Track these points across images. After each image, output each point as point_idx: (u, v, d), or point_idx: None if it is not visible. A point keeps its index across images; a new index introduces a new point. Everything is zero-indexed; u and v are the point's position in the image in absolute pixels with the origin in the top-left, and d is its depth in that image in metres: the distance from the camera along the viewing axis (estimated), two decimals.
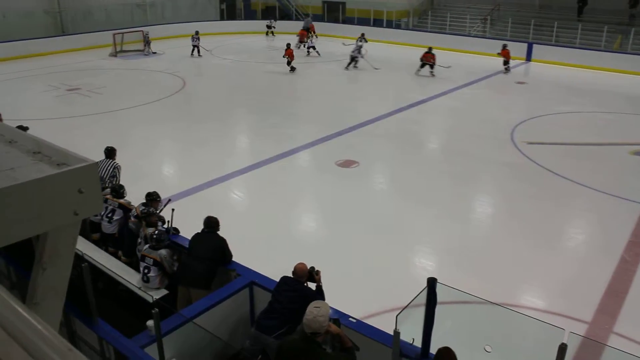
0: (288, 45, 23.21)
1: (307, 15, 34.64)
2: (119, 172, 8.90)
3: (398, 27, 32.01)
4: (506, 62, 23.01)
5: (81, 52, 26.95)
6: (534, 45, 25.69)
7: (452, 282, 4.34)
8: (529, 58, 25.51)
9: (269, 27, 33.06)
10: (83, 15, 30.29)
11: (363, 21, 32.62)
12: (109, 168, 8.76)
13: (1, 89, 19.63)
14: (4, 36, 26.11)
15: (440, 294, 4.38)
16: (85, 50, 27.27)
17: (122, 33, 27.05)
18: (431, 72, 21.62)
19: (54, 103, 18.00)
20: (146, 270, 6.35)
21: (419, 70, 22.01)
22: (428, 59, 21.78)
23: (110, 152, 9.01)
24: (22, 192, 1.56)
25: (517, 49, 25.19)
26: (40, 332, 1.00)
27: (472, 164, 12.42)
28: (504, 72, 22.95)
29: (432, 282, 4.39)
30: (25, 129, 9.10)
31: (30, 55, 25.63)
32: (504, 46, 23.29)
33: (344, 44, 27.32)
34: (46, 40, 27.16)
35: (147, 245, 6.49)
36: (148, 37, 26.94)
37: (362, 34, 26.52)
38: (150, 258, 6.37)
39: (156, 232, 6.57)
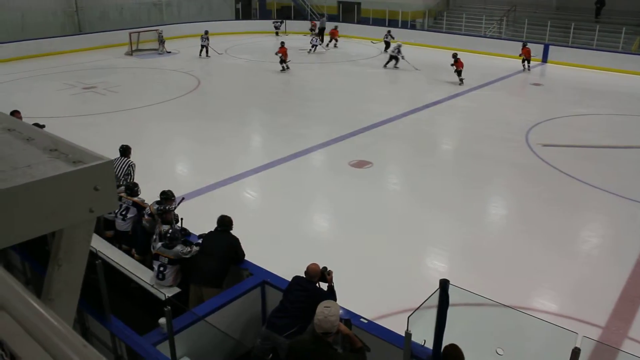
0: (282, 43, 23.41)
1: (322, 15, 34.66)
2: (133, 171, 8.96)
3: (413, 27, 31.92)
4: (527, 61, 23.15)
5: (97, 51, 27.17)
6: (550, 46, 25.48)
7: (464, 284, 4.32)
8: (545, 59, 25.31)
9: (276, 27, 33.28)
10: (99, 15, 30.55)
11: (378, 21, 32.57)
12: (123, 166, 8.82)
13: (19, 87, 19.88)
14: (22, 35, 26.44)
15: (453, 295, 4.36)
16: (102, 49, 27.50)
17: (138, 32, 27.24)
18: (461, 79, 20.35)
19: (70, 101, 18.16)
20: (162, 268, 6.38)
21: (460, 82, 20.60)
22: (458, 66, 20.49)
23: (125, 151, 9.07)
24: (39, 189, 1.58)
25: (533, 51, 25.02)
26: (56, 328, 1.01)
27: (486, 165, 12.35)
28: (526, 71, 23.12)
29: (444, 284, 4.37)
30: (41, 126, 9.19)
31: (47, 54, 25.91)
32: (524, 44, 23.37)
33: (372, 42, 27.57)
34: (63, 39, 27.45)
35: (160, 244, 6.52)
36: (162, 37, 27.10)
37: (389, 31, 27.48)
38: (165, 257, 6.40)
39: (170, 230, 6.60)
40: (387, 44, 26.91)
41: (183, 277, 6.53)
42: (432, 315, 4.47)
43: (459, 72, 20.33)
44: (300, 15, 36.37)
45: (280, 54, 22.42)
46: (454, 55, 20.51)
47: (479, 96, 19.09)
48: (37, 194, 1.59)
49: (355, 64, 24.99)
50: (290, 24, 34.24)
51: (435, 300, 4.38)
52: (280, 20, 33.72)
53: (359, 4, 34.32)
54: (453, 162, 13.07)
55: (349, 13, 34.31)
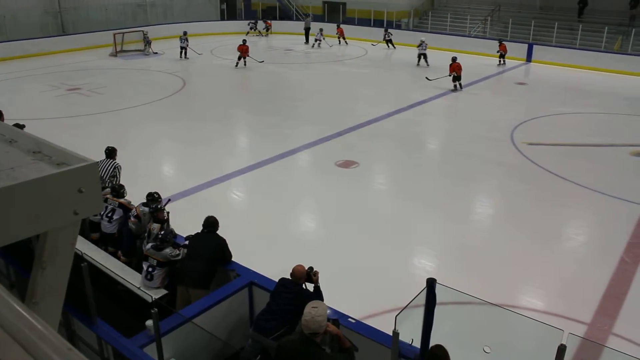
0: (244, 41, 23.88)
1: (307, 15, 34.69)
2: (119, 172, 8.91)
3: (398, 27, 32.01)
4: (502, 56, 23.99)
5: (81, 52, 26.96)
6: (534, 46, 25.70)
7: (451, 283, 4.34)
8: (529, 59, 25.52)
9: (250, 28, 33.27)
10: (83, 15, 30.30)
11: (363, 21, 32.65)
12: (109, 168, 8.76)
13: (3, 88, 19.65)
14: (4, 36, 26.14)
15: (440, 294, 4.37)
16: (86, 50, 27.29)
17: (123, 33, 27.07)
18: (458, 84, 19.40)
19: (54, 103, 18.00)
20: (150, 269, 6.34)
21: (455, 89, 19.58)
22: (456, 70, 19.45)
23: (110, 152, 9.01)
24: (22, 191, 1.56)
25: (517, 50, 25.26)
26: (40, 331, 1.00)
27: (472, 164, 12.43)
28: (501, 65, 23.93)
29: (431, 283, 4.38)
30: (21, 127, 9.11)
31: (30, 55, 25.65)
32: (500, 41, 24.31)
33: (372, 44, 28.37)
34: (46, 40, 27.19)
35: (150, 245, 6.48)
36: (148, 37, 26.98)
37: (387, 30, 28.79)
38: (154, 259, 6.36)
39: (162, 232, 6.56)
40: (390, 42, 27.94)
41: (171, 279, 6.50)
42: (419, 314, 4.48)
43: (455, 78, 19.24)
44: (286, 15, 36.36)
45: (239, 51, 23.25)
46: (454, 59, 19.40)
47: (464, 95, 19.19)
48: (21, 197, 1.57)
49: (341, 64, 25.02)
50: (276, 25, 34.23)
51: (422, 299, 4.40)
52: (254, 21, 33.70)
53: (344, 4, 34.37)
54: (439, 161, 13.14)
55: (335, 13, 34.36)
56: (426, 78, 20.67)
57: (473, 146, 13.57)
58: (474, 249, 8.76)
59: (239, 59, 23.24)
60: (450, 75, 19.32)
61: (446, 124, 16.49)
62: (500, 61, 24.13)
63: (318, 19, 34.68)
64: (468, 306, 5.43)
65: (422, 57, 23.75)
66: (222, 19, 35.86)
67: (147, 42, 26.86)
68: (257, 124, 16.08)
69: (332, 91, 19.89)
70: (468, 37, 28.77)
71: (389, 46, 28.96)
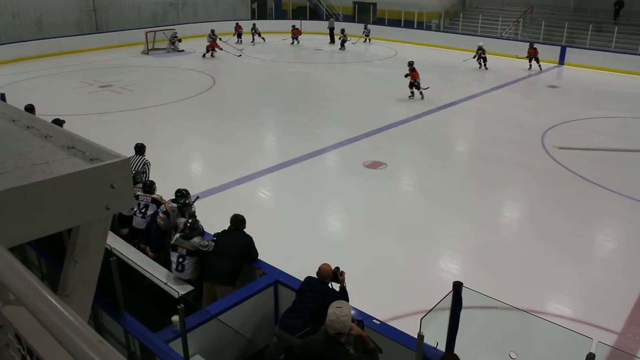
0: (213, 38, 25.43)
1: (331, 15, 34.71)
2: (148, 169, 9.02)
3: (429, 28, 31.78)
4: (534, 59, 23.29)
5: (114, 50, 27.38)
6: (567, 48, 25.24)
7: (477, 287, 4.30)
8: (561, 61, 25.07)
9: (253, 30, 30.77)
10: (116, 14, 30.79)
11: (394, 22, 32.49)
12: (138, 164, 8.88)
13: (38, 85, 20.10)
14: (41, 34, 26.74)
15: (466, 298, 4.34)
16: (118, 48, 27.71)
17: (154, 31, 27.42)
18: (420, 91, 18.16)
19: (86, 99, 18.32)
20: (180, 259, 6.40)
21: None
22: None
23: (140, 149, 9.13)
24: (56, 185, 1.59)
25: (550, 52, 24.82)
26: (72, 324, 1.02)
27: (501, 168, 12.28)
28: (532, 69, 23.33)
29: (457, 286, 4.35)
30: (61, 122, 9.30)
31: (65, 52, 26.16)
32: (532, 44, 23.61)
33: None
34: (81, 38, 27.70)
35: (178, 235, 6.54)
36: (176, 36, 27.27)
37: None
38: (183, 248, 6.43)
39: (190, 220, 6.64)
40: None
41: (199, 274, 6.55)
42: (445, 317, 4.45)
43: (415, 85, 18.10)
44: (316, 15, 36.40)
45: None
46: (410, 64, 18.24)
47: (494, 98, 18.98)
48: (55, 191, 1.60)
49: (370, 65, 24.95)
50: (306, 24, 34.29)
51: (448, 302, 4.37)
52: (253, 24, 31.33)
53: (374, 4, 34.26)
54: (468, 164, 13.00)
55: (365, 13, 34.27)
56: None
57: (502, 149, 13.41)
58: (501, 253, 8.65)
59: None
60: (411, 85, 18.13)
61: (475, 126, 16.32)
62: (530, 65, 23.43)
63: (348, 19, 34.65)
64: (494, 311, 5.37)
65: (482, 60, 23.37)
66: (253, 18, 36.05)
67: (175, 40, 27.18)
68: (286, 123, 16.13)
69: (360, 92, 19.84)
70: (499, 38, 28.38)
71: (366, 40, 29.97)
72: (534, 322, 4.75)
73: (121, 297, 5.33)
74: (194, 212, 7.21)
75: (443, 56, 24.98)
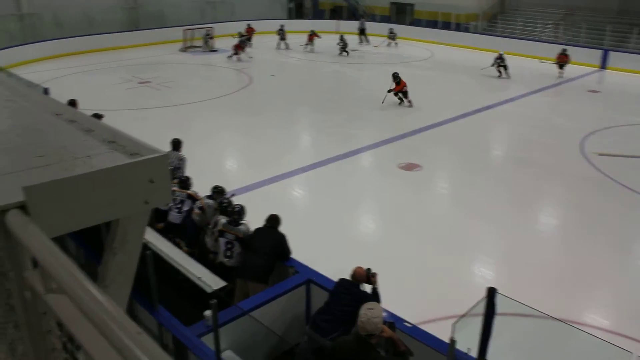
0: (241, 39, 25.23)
1: (361, 16, 34.61)
2: (184, 164, 9.13)
3: (466, 30, 31.39)
4: (562, 65, 22.46)
5: (153, 47, 27.83)
6: (610, 52, 24.62)
7: (511, 294, 4.23)
8: (603, 66, 24.46)
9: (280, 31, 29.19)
10: (156, 12, 31.31)
11: (431, 23, 32.23)
12: (174, 160, 8.99)
13: (79, 80, 20.56)
14: (84, 30, 27.37)
15: (500, 304, 4.27)
16: (157, 45, 28.16)
17: (192, 29, 27.79)
18: (408, 100, 17.49)
19: (126, 95, 18.67)
20: (229, 245, 6.49)
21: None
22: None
23: (176, 144, 9.25)
24: (98, 179, 1.62)
25: (591, 56, 24.29)
26: (112, 314, 1.04)
27: (538, 173, 12.04)
28: (560, 75, 22.44)
29: (491, 292, 4.29)
30: (100, 117, 9.49)
31: (107, 48, 26.71)
32: (564, 51, 22.74)
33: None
34: (122, 35, 28.26)
35: (225, 220, 6.62)
36: (209, 34, 27.53)
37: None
38: (232, 234, 6.51)
39: (238, 205, 6.71)
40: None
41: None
42: (477, 323, 4.39)
43: (403, 94, 17.45)
44: (352, 15, 36.35)
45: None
46: (396, 76, 17.47)
47: (533, 102, 18.64)
48: (96, 184, 1.63)
49: (406, 66, 24.77)
50: (343, 24, 34.25)
51: (481, 308, 4.31)
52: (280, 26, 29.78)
53: (412, 5, 34.04)
54: (504, 168, 12.80)
55: (402, 14, 34.09)
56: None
57: (540, 154, 13.16)
58: (538, 261, 8.49)
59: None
60: (397, 93, 17.48)
61: (513, 130, 16.04)
62: (561, 72, 22.46)
63: (385, 20, 34.52)
64: (529, 319, 5.28)
65: (502, 67, 22.50)
66: (290, 17, 36.21)
67: (208, 39, 27.46)
68: (321, 123, 16.15)
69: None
70: (539, 41, 27.82)
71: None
72: (570, 332, 4.66)
73: (156, 291, 5.41)
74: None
75: (479, 59, 24.60)
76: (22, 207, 1.45)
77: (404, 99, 17.53)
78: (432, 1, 32.58)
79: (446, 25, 31.61)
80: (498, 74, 22.17)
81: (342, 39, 27.15)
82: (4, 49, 23.13)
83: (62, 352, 1.46)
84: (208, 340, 5.01)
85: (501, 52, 22.32)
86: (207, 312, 5.08)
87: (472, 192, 11.14)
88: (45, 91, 14.48)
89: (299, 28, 32.93)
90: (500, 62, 21.96)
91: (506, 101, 18.40)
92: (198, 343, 4.99)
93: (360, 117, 16.57)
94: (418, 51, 28.59)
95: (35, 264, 1.34)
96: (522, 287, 7.39)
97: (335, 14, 36.34)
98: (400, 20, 33.80)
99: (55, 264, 1.19)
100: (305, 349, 5.28)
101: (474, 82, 21.64)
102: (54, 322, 1.42)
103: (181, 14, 31.89)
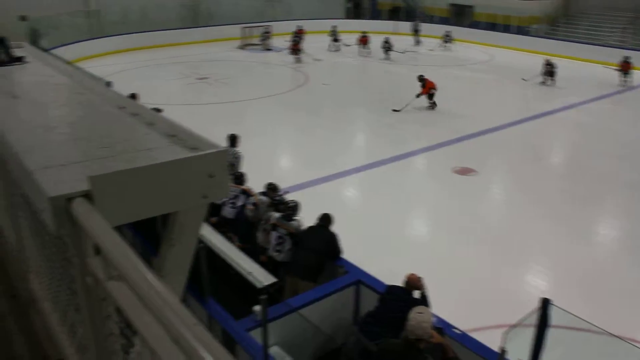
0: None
1: (415, 17, 34.21)
2: (239, 161, 9.23)
3: (527, 33, 30.54)
4: (625, 74, 21.35)
5: (212, 44, 28.36)
6: None
7: (566, 307, 4.10)
8: None
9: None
10: (216, 9, 31.90)
11: (491, 26, 31.57)
12: (230, 155, 9.11)
13: (140, 75, 21.16)
14: (145, 26, 28.16)
15: (554, 316, 4.16)
16: (216, 42, 28.66)
17: (251, 27, 28.16)
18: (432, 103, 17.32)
19: (184, 90, 19.10)
20: (280, 240, 6.57)
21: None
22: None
23: (233, 140, 9.36)
24: (158, 171, 1.66)
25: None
26: (170, 303, 1.06)
27: (599, 184, 11.60)
28: (623, 84, 21.32)
29: (545, 303, 4.18)
30: (159, 111, 9.71)
31: (167, 44, 27.42)
32: (627, 58, 21.59)
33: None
34: (182, 31, 28.96)
35: (278, 215, 6.69)
36: (267, 32, 27.81)
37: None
38: (284, 229, 6.59)
39: (292, 201, 6.78)
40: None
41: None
42: (529, 334, 4.29)
43: (429, 96, 17.14)
44: (410, 17, 36.03)
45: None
46: (421, 78, 17.33)
47: (596, 109, 18.02)
48: (157, 176, 1.67)
49: (463, 69, 24.41)
50: (400, 26, 34.02)
51: (534, 318, 4.20)
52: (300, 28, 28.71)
53: (471, 7, 33.45)
54: (563, 177, 12.40)
55: (461, 16, 33.56)
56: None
57: (602, 163, 12.71)
58: (596, 274, 8.18)
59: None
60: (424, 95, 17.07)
61: (573, 138, 15.54)
62: (625, 80, 21.35)
63: (444, 21, 34.07)
64: (584, 333, 5.11)
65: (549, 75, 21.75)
66: (348, 17, 36.20)
67: (265, 38, 27.74)
68: (376, 124, 16.08)
69: (452, 95, 19.35)
70: (604, 46, 26.84)
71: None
72: (629, 350, 4.47)
73: (208, 283, 5.50)
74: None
75: (539, 62, 23.87)
76: (87, 195, 1.50)
77: (428, 101, 17.16)
78: (493, 3, 31.91)
79: (506, 28, 30.88)
80: (542, 80, 21.02)
81: (387, 41, 26.70)
82: (71, 43, 24.07)
83: (119, 337, 1.50)
84: (256, 335, 5.07)
85: (553, 61, 21.43)
86: (257, 307, 5.13)
87: (528, 200, 10.85)
88: (108, 85, 14.95)
89: (356, 28, 32.93)
90: (549, 69, 20.92)
91: (567, 107, 17.84)
92: (246, 337, 5.05)
93: (415, 119, 16.40)
94: (476, 54, 28.10)
95: (98, 251, 1.38)
96: (578, 299, 7.15)
97: (394, 14, 36.07)
98: (458, 22, 33.26)
99: (117, 252, 1.23)
100: (352, 349, 5.26)
101: (532, 87, 21.08)
102: (113, 308, 1.47)
103: (240, 12, 32.38)
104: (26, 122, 2.23)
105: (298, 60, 24.49)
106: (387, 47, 26.30)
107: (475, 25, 32.51)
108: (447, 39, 29.32)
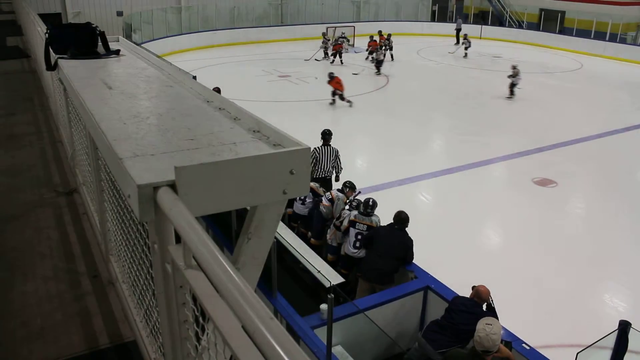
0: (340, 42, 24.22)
1: (459, 16, 33.19)
2: (338, 157, 9.50)
3: (623, 41, 28.96)
4: None
5: (295, 42, 28.74)
6: None
7: None
8: None
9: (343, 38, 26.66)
10: (301, 8, 32.32)
11: (582, 33, 30.09)
12: (330, 155, 9.35)
13: (226, 70, 21.79)
14: (232, 24, 28.98)
15: (633, 340, 3.95)
16: (299, 41, 29.02)
17: (335, 27, 28.30)
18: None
19: (266, 87, 19.47)
20: (359, 236, 6.60)
21: None
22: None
23: (328, 136, 9.57)
24: (242, 165, 1.69)
25: None
26: (246, 295, 1.08)
27: None
28: None
29: (624, 326, 3.99)
30: (219, 90, 10.02)
31: (252, 42, 28.07)
32: None
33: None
34: (266, 29, 29.56)
35: (356, 211, 6.75)
36: (343, 35, 27.65)
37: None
38: (363, 224, 6.62)
39: (370, 198, 6.83)
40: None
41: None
42: (604, 356, 4.10)
43: (332, 93, 16.90)
44: (497, 20, 35.12)
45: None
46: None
47: None
48: (240, 170, 1.70)
49: (550, 77, 23.52)
50: (486, 30, 33.21)
51: (611, 341, 4.02)
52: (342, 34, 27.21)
53: (563, 12, 32.10)
54: None
55: (551, 22, 32.27)
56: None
57: None
58: None
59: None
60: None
61: None
62: None
63: (533, 27, 32.98)
64: None
65: None
66: (433, 20, 35.76)
67: (343, 41, 27.66)
68: (455, 129, 15.79)
69: (537, 104, 18.75)
70: None
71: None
72: None
73: (276, 278, 5.59)
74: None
75: (634, 73, 22.75)
76: (172, 185, 1.56)
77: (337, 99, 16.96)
78: (587, 9, 30.51)
79: (599, 35, 29.38)
80: None
81: (465, 38, 26.75)
82: (161, 38, 25.08)
83: (193, 325, 1.55)
84: (320, 333, 5.10)
85: None
86: (323, 306, 5.17)
87: (611, 216, 10.34)
88: (194, 79, 15.45)
89: (441, 31, 32.47)
90: None
91: None
92: (311, 334, 5.09)
93: (496, 126, 15.98)
94: (565, 61, 27.00)
95: (178, 239, 1.43)
96: None
97: (480, 18, 35.27)
98: (548, 28, 32.02)
99: (197, 241, 1.26)
100: (415, 356, 5.20)
101: (626, 97, 20.06)
102: (189, 296, 1.52)
103: (325, 12, 32.67)
104: (119, 111, 2.34)
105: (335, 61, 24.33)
106: (467, 45, 26.48)
107: (565, 31, 31.19)
108: (466, 42, 26.91)
